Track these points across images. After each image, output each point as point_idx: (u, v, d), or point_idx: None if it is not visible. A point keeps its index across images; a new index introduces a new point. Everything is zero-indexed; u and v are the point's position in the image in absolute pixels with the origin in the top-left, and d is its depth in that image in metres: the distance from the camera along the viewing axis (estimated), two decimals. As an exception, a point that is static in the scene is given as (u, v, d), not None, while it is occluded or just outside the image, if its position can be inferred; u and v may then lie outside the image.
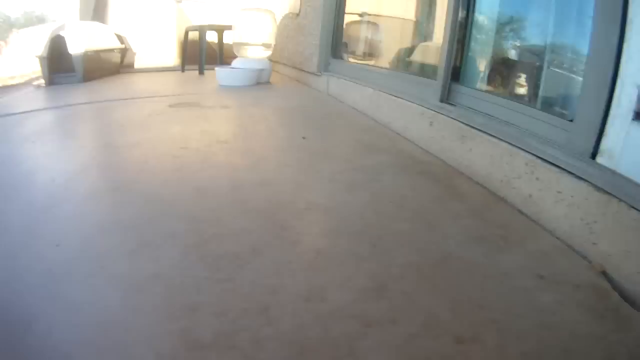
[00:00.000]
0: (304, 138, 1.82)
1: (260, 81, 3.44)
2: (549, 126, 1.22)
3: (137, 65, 4.77)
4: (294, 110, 2.47)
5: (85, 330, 0.75)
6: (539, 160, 1.15)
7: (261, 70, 3.41)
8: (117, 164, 1.56)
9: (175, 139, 1.82)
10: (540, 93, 1.48)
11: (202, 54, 3.88)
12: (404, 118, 1.96)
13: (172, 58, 5.01)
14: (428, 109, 1.77)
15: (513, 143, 1.26)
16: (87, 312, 0.80)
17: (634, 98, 0.95)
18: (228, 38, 4.35)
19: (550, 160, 1.13)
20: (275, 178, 1.40)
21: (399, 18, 3.14)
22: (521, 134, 1.27)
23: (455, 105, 1.67)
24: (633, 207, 0.89)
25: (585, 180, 1.02)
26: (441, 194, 1.27)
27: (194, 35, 4.16)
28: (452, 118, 1.60)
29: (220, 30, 4.28)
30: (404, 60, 2.82)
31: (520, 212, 1.16)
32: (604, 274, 0.93)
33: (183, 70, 4.25)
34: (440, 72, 1.76)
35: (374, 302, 0.77)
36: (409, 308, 0.75)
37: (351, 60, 3.29)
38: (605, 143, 1.03)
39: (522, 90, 1.62)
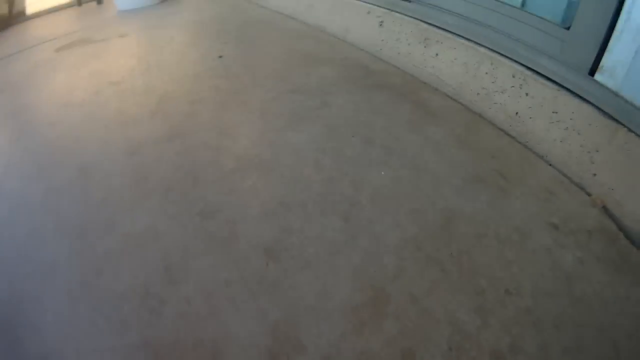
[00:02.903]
0: (220, 57, 1.40)
1: (166, -3, 2.75)
2: (538, 32, 0.97)
3: (29, 12, 3.71)
4: (206, 24, 1.93)
5: None
6: (530, 72, 0.94)
7: (164, -16, 2.69)
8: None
9: (56, 93, 1.32)
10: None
11: (98, -20, 2.97)
12: (344, 19, 1.58)
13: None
14: (376, 6, 1.42)
15: (495, 49, 1.01)
16: None
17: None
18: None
19: (545, 74, 0.93)
20: (186, 125, 1.03)
21: None
22: (505, 39, 1.01)
23: (411, 2, 1.34)
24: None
25: (589, 103, 0.85)
26: (412, 115, 0.99)
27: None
28: (409, 16, 1.29)
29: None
30: None
31: (505, 133, 0.97)
32: (605, 209, 0.83)
33: (80, 3, 3.41)
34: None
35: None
36: (410, 311, 0.64)
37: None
38: (607, 60, 0.83)
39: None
